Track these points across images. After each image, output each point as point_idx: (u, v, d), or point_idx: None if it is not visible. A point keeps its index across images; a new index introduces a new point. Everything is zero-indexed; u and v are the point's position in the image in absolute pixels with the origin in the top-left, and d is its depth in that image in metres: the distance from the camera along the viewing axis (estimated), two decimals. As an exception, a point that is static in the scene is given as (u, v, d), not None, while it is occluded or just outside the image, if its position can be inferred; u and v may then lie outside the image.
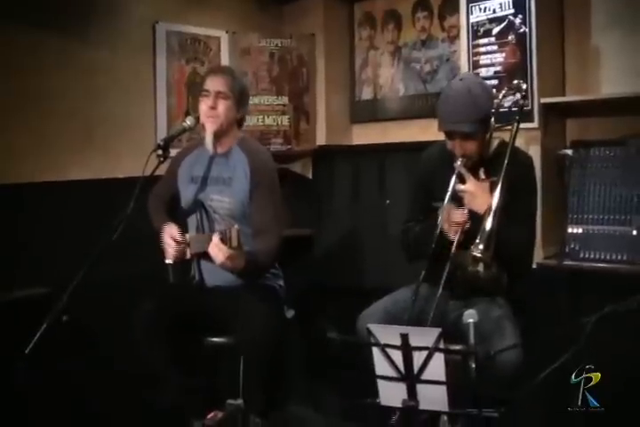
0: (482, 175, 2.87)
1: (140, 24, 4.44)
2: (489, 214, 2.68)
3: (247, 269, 2.91)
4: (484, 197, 2.78)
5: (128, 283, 3.77)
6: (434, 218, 2.88)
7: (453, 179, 2.85)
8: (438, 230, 2.84)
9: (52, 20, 3.95)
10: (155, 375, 2.97)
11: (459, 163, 2.85)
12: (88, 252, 2.54)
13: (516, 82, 3.09)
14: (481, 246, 2.63)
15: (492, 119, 2.89)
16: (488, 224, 2.67)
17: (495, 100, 2.96)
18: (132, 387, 3.45)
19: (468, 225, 2.82)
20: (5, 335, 3.08)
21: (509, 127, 2.94)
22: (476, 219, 2.77)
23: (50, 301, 2.66)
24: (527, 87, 3.38)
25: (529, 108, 3.52)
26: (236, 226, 2.79)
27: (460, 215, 2.82)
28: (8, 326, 3.20)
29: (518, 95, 3.06)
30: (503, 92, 3.06)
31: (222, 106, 3.13)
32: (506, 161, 2.78)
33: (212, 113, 3.13)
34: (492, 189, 2.78)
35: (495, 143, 2.99)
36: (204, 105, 3.15)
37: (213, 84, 3.15)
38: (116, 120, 4.29)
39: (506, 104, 3.15)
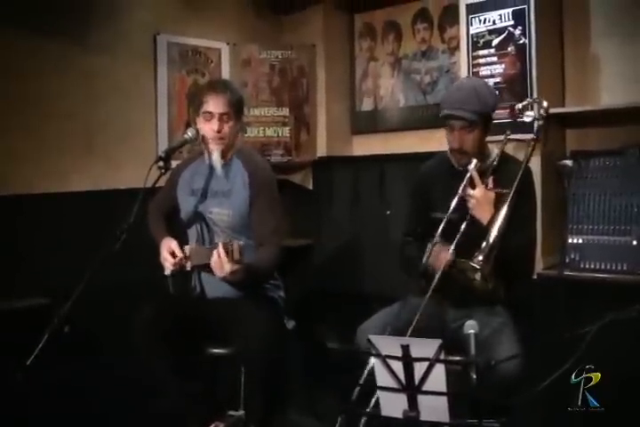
0: (490, 184, 2.88)
1: (141, 32, 4.46)
2: (492, 227, 2.69)
3: (248, 281, 2.91)
4: (488, 206, 2.79)
5: (129, 293, 3.77)
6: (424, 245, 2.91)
7: (464, 182, 2.85)
8: (425, 264, 2.87)
9: (53, 26, 3.96)
10: (156, 386, 2.97)
11: (472, 166, 2.86)
12: (89, 262, 2.55)
13: (534, 98, 3.12)
14: (480, 258, 2.63)
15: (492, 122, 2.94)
16: (491, 237, 2.67)
17: (519, 105, 3.00)
18: (133, 399, 3.45)
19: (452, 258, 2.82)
20: (5, 345, 3.08)
21: (518, 137, 2.96)
22: (477, 227, 2.78)
23: (50, 311, 2.66)
24: (547, 105, 3.41)
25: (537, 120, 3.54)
26: (240, 242, 2.79)
27: (445, 255, 2.83)
28: (8, 337, 3.20)
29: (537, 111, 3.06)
30: (526, 102, 3.07)
31: (228, 128, 3.12)
32: (519, 176, 2.79)
33: (218, 136, 3.12)
34: (497, 199, 2.79)
35: (494, 154, 3.00)
36: (207, 127, 3.13)
37: (216, 105, 3.11)
38: (116, 127, 4.31)
39: (526, 119, 3.13)
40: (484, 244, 2.67)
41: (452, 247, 2.80)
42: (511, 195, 2.75)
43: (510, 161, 2.97)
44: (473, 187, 2.84)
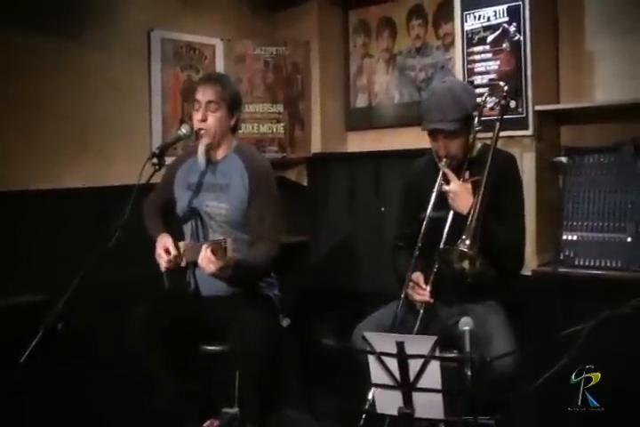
0: (466, 176, 2.89)
1: (136, 30, 4.46)
2: (474, 212, 2.70)
3: (242, 277, 2.90)
4: (466, 197, 2.80)
5: (124, 289, 3.76)
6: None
7: (439, 179, 2.88)
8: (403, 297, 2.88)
9: (49, 25, 3.96)
10: (152, 383, 2.97)
11: (442, 163, 2.88)
12: (84, 259, 2.54)
13: (497, 83, 3.12)
14: (468, 242, 2.64)
15: (475, 120, 2.92)
16: (473, 221, 2.68)
17: (479, 99, 2.99)
18: (129, 396, 3.44)
19: (430, 303, 2.83)
20: (2, 342, 3.07)
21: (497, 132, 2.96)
22: (460, 218, 2.79)
23: (45, 308, 2.65)
24: (522, 94, 3.41)
25: (523, 115, 3.54)
26: (229, 238, 2.78)
27: (422, 295, 2.84)
28: (4, 333, 3.19)
29: (500, 96, 3.07)
30: (486, 93, 3.07)
31: (212, 118, 3.11)
32: (489, 158, 2.80)
33: (202, 125, 3.11)
34: (475, 189, 2.81)
35: (478, 146, 3.01)
36: (195, 117, 3.14)
37: (203, 94, 3.12)
38: (111, 125, 4.30)
39: (488, 105, 3.16)
40: (467, 228, 2.68)
41: (429, 288, 2.82)
42: (484, 178, 2.76)
43: (495, 150, 2.97)
44: (448, 182, 2.86)
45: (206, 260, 2.79)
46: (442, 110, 2.83)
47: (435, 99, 2.90)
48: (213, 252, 2.76)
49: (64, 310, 2.44)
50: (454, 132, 2.84)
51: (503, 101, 3.03)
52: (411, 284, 2.87)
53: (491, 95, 3.10)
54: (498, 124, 2.94)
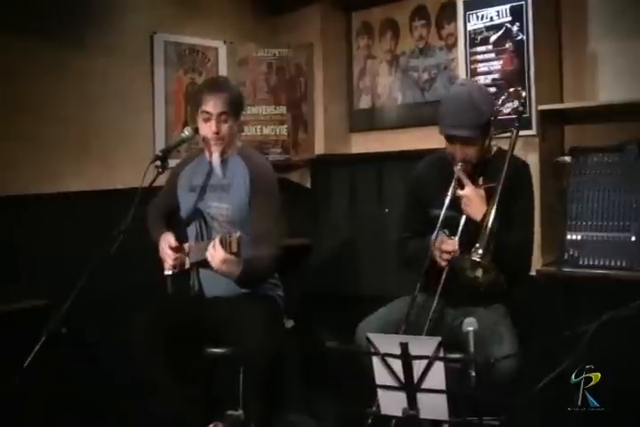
0: (480, 181, 2.88)
1: (138, 33, 4.46)
2: (487, 219, 2.69)
3: (244, 277, 2.88)
4: (480, 203, 2.80)
5: (127, 294, 3.76)
6: (427, 240, 2.89)
7: (453, 183, 2.87)
8: (429, 257, 2.86)
9: (50, 28, 3.96)
10: (155, 387, 2.96)
11: (458, 167, 2.87)
12: (87, 263, 2.54)
13: (513, 89, 3.12)
14: (480, 251, 2.63)
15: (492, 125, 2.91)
16: (487, 229, 2.67)
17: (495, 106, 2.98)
18: (132, 399, 3.44)
19: (457, 254, 2.82)
20: (5, 347, 3.07)
21: (508, 134, 2.95)
22: (472, 224, 2.79)
23: (47, 313, 2.65)
24: (525, 94, 3.40)
25: (527, 115, 3.52)
26: (238, 233, 2.77)
27: (450, 245, 2.83)
28: (7, 338, 3.19)
29: (517, 102, 3.07)
30: (502, 98, 3.07)
31: (225, 129, 3.10)
32: (505, 167, 2.79)
33: (217, 137, 3.10)
34: (488, 195, 2.80)
35: (492, 150, 3.00)
36: (206, 128, 3.11)
37: (214, 105, 3.08)
38: (113, 129, 4.30)
39: (505, 110, 3.16)
40: (480, 236, 2.67)
41: (457, 238, 2.81)
42: (500, 187, 2.76)
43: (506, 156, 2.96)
44: (462, 187, 2.85)
45: (212, 250, 2.79)
46: (460, 116, 2.81)
47: (453, 103, 2.88)
48: (222, 243, 2.75)
49: (67, 315, 2.44)
50: (471, 138, 2.83)
51: (520, 108, 3.03)
52: (439, 238, 2.85)
53: (506, 101, 3.09)
54: (515, 130, 2.94)
